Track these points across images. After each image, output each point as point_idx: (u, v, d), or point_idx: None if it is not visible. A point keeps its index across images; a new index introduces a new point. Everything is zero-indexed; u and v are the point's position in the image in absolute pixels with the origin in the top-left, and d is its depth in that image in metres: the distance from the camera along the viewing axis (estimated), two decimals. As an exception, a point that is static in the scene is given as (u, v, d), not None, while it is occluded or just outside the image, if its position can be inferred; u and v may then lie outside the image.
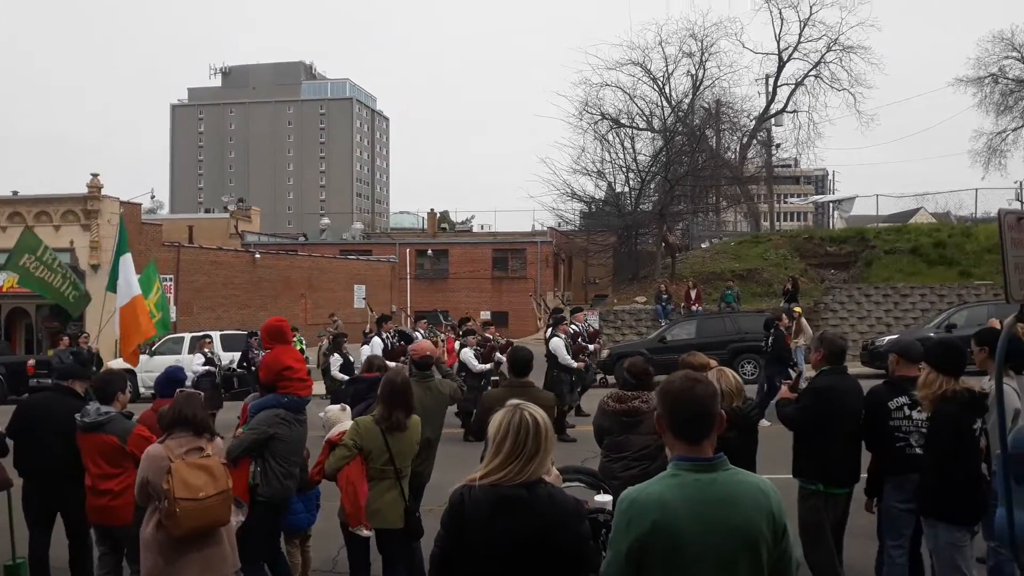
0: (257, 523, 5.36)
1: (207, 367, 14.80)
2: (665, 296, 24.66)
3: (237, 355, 17.55)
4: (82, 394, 5.91)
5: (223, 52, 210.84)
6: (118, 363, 16.41)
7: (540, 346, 14.70)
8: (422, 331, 16.03)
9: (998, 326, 5.81)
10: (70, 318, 22.10)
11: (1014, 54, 39.27)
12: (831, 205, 43.85)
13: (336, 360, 14.30)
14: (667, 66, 36.33)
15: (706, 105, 37.77)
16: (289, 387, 5.61)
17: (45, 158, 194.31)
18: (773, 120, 39.78)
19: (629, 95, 35.37)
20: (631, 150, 34.96)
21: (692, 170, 32.60)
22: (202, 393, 5.45)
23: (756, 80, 44.33)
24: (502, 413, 2.98)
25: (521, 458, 2.88)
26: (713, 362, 5.84)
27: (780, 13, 39.01)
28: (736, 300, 23.89)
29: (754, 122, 39.46)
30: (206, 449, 4.71)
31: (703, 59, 36.91)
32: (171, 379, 6.36)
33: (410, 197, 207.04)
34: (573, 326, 14.71)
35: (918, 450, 5.02)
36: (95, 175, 27.47)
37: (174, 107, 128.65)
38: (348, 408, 6.14)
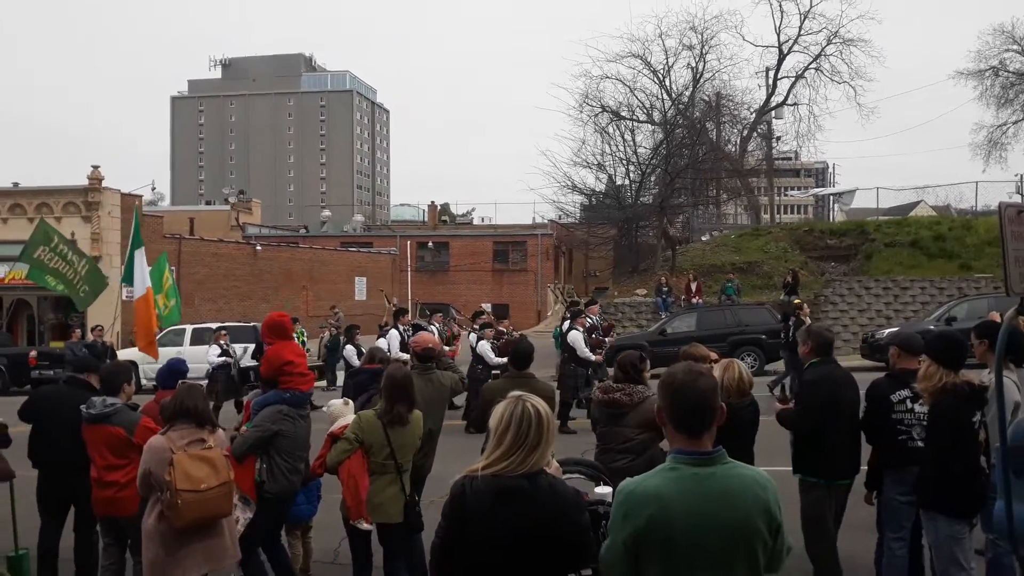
0: (264, 519, 5.44)
1: (223, 358, 15.08)
2: (665, 289, 24.64)
3: (248, 346, 17.26)
4: (97, 387, 5.92)
5: (223, 44, 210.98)
6: (132, 353, 16.56)
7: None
8: (438, 325, 16.03)
9: (998, 319, 5.82)
10: (73, 310, 22.19)
11: (1015, 47, 39.18)
12: (831, 198, 43.88)
13: (351, 351, 14.61)
14: (667, 59, 36.28)
15: (706, 98, 37.71)
16: (290, 382, 5.65)
17: (45, 150, 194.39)
18: (773, 113, 39.69)
19: (629, 88, 35.34)
20: (631, 143, 34.97)
21: (692, 163, 32.60)
22: (203, 384, 5.47)
23: (756, 73, 44.14)
24: (504, 404, 2.98)
25: (523, 449, 2.89)
26: (713, 355, 5.85)
27: (780, 6, 39.03)
28: (736, 293, 23.94)
29: (754, 115, 39.41)
30: (208, 441, 4.74)
31: (703, 52, 36.86)
32: (173, 371, 6.39)
33: (410, 189, 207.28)
34: (589, 319, 14.59)
35: (920, 443, 5.03)
36: (96, 167, 27.51)
37: (174, 99, 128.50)
38: (351, 402, 6.16)
